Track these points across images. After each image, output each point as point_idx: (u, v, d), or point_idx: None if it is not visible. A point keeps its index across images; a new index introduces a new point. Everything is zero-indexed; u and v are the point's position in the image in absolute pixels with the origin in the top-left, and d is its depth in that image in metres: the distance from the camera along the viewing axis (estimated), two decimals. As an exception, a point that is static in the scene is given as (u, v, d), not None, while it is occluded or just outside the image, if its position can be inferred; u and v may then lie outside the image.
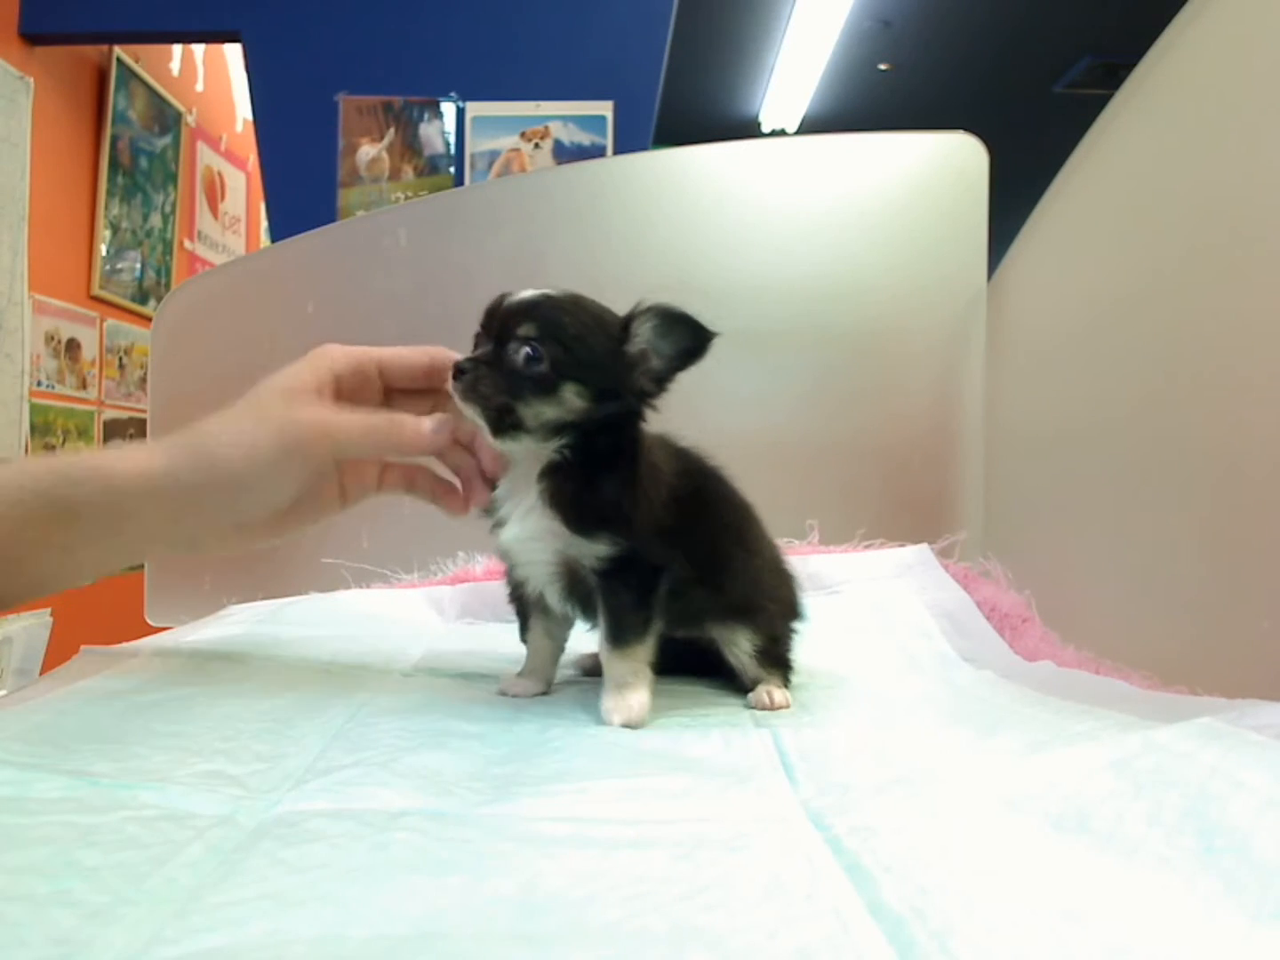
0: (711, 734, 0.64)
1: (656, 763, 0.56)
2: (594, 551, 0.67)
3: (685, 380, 1.21)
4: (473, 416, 0.66)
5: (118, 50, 3.30)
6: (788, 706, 0.74)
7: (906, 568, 1.24)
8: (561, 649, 0.78)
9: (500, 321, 0.66)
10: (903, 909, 0.34)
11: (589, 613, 0.73)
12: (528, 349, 0.64)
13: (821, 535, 1.36)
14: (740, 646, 0.77)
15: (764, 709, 0.73)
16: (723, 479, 0.80)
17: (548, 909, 0.35)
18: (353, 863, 0.39)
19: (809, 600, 0.88)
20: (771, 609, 0.80)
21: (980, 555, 1.30)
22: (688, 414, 1.50)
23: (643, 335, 0.66)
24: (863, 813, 0.45)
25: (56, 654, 2.75)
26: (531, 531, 0.68)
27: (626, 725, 0.65)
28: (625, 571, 0.67)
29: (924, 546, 1.29)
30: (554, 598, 0.72)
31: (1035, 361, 1.29)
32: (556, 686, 0.80)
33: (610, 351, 0.66)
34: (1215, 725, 0.47)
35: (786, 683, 0.78)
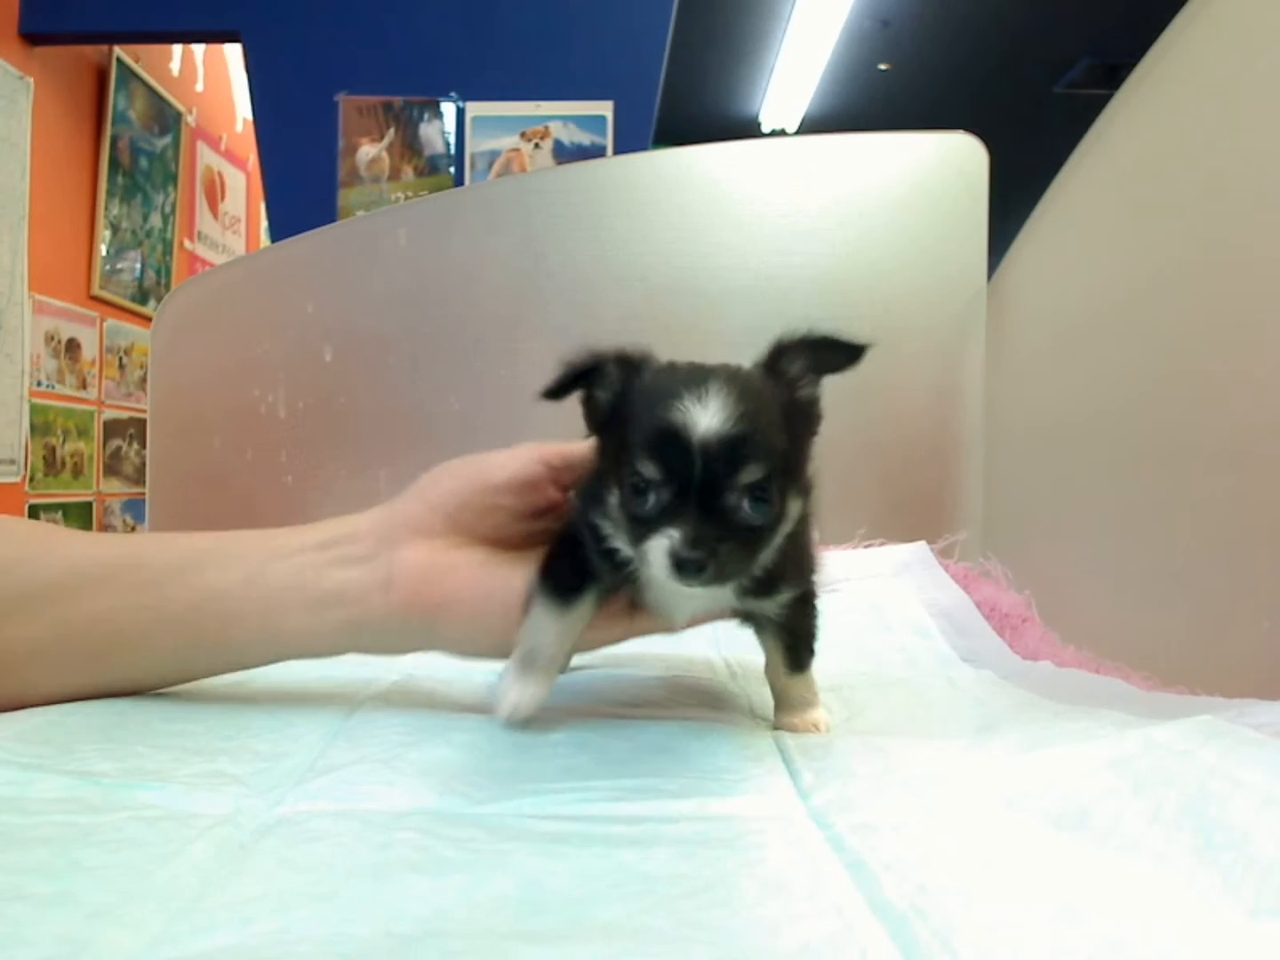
0: (713, 731, 0.64)
1: (658, 761, 0.56)
2: (776, 604, 0.63)
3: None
4: (693, 590, 0.54)
5: (118, 50, 3.30)
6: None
7: (905, 566, 1.24)
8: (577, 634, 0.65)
9: (708, 467, 0.50)
10: (904, 907, 0.34)
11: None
12: (757, 494, 0.52)
13: (822, 535, 1.36)
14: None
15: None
16: None
17: (550, 907, 0.35)
18: (356, 861, 0.39)
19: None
20: None
21: (980, 555, 1.30)
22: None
23: (801, 380, 0.57)
24: (864, 811, 0.45)
25: (56, 654, 2.75)
26: (708, 607, 0.63)
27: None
28: (801, 605, 0.65)
29: (922, 544, 1.29)
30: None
31: (1035, 361, 1.29)
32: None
33: (797, 430, 0.56)
34: (1214, 723, 0.47)
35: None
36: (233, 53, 3.92)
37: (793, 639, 0.66)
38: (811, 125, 5.74)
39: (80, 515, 3.25)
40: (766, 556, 0.55)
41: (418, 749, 0.57)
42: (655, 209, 1.50)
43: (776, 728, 0.66)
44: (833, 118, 5.68)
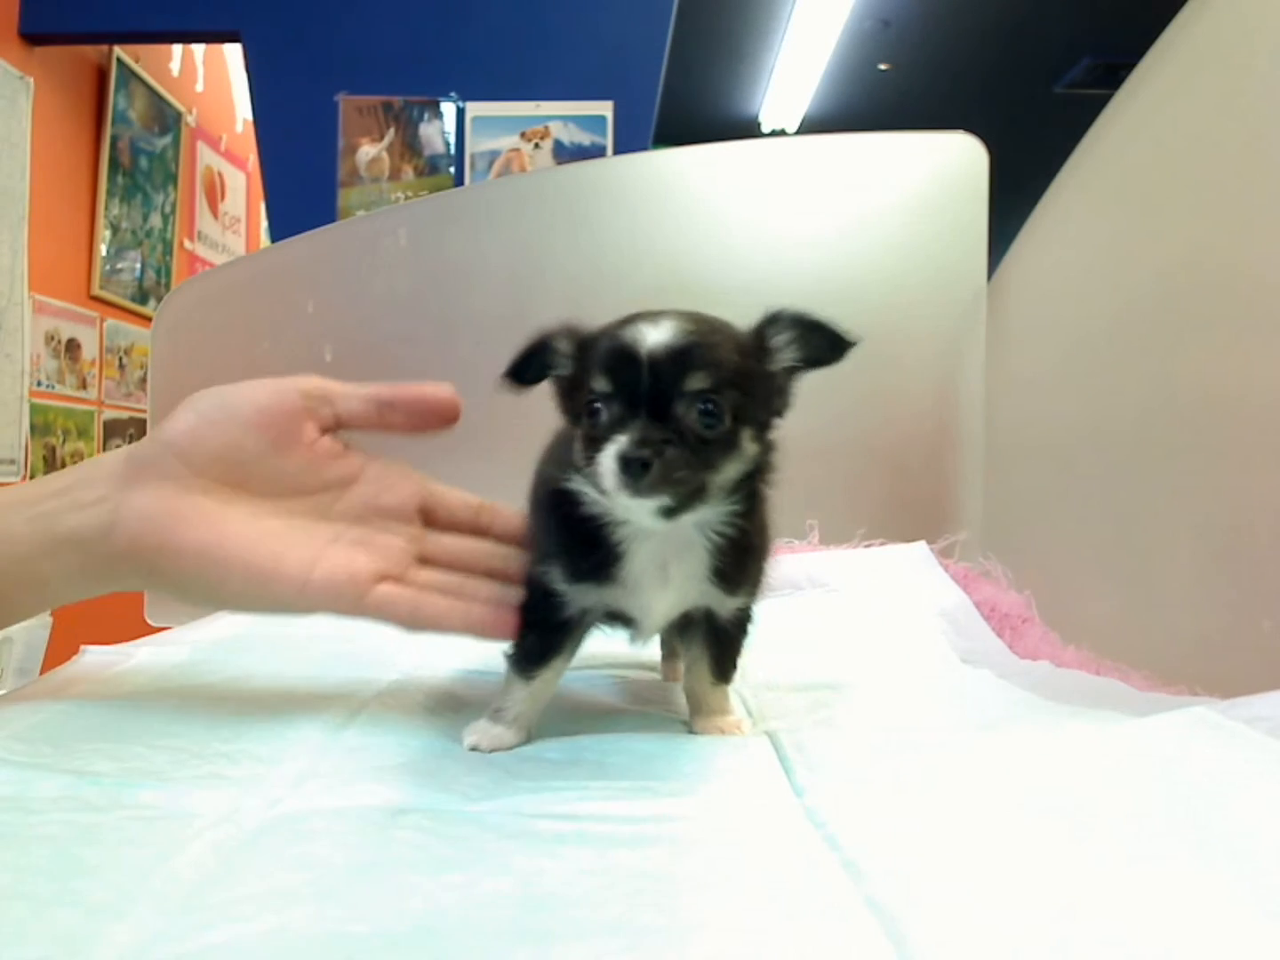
0: (711, 732, 0.64)
1: (656, 761, 0.56)
2: (734, 604, 0.64)
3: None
4: (648, 510, 0.53)
5: (118, 50, 3.30)
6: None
7: (905, 566, 1.24)
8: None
9: (652, 375, 0.52)
10: (900, 905, 0.34)
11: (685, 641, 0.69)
12: (705, 405, 0.53)
13: (822, 535, 1.36)
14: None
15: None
16: None
17: (546, 906, 0.35)
18: (353, 860, 0.39)
19: (804, 599, 0.88)
20: None
21: (980, 555, 1.30)
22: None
23: (782, 351, 0.59)
24: (860, 810, 0.45)
25: (56, 654, 2.75)
26: (686, 599, 0.62)
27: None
28: (743, 619, 0.67)
29: (922, 544, 1.29)
30: (652, 635, 0.68)
31: (1035, 361, 1.29)
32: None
33: (762, 379, 0.58)
34: (1209, 715, 0.47)
35: None
36: (233, 53, 3.91)
37: (722, 650, 0.67)
38: (811, 125, 5.74)
39: (80, 515, 3.26)
40: (718, 481, 0.55)
41: (415, 749, 0.57)
42: (655, 209, 1.50)
43: (694, 730, 0.66)
44: (833, 118, 5.68)
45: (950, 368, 1.45)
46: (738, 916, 0.34)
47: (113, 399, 3.43)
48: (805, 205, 1.48)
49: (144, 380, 3.46)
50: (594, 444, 0.53)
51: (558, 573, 0.61)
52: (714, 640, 0.66)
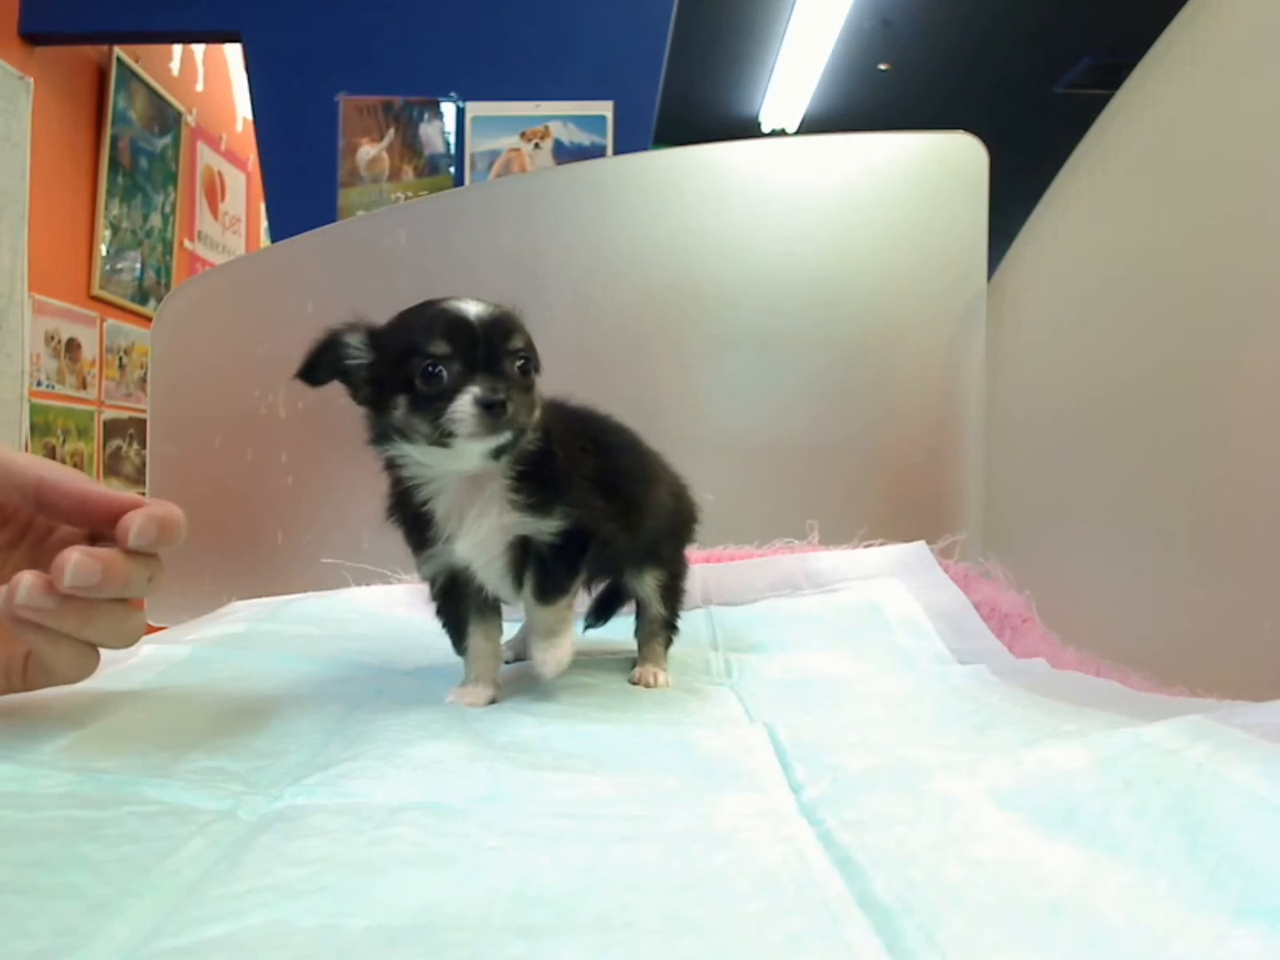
0: (709, 729, 0.64)
1: (655, 758, 0.56)
2: (549, 527, 0.70)
3: (687, 380, 1.23)
4: (483, 450, 0.66)
5: (118, 50, 3.30)
6: (669, 687, 0.83)
7: (904, 566, 1.24)
8: (500, 652, 0.79)
9: (487, 339, 0.65)
10: (891, 902, 0.35)
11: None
12: (523, 360, 0.68)
13: (822, 535, 1.36)
14: (647, 584, 0.88)
15: (648, 687, 0.83)
16: (615, 425, 0.85)
17: (542, 902, 0.35)
18: (352, 856, 0.40)
19: (804, 598, 0.88)
20: (670, 548, 0.91)
21: (980, 555, 1.30)
22: (689, 414, 1.49)
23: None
24: (855, 807, 0.46)
25: (57, 653, 2.75)
26: (489, 531, 0.70)
27: (559, 671, 0.71)
28: (570, 541, 0.72)
29: (921, 544, 1.29)
30: (507, 590, 0.75)
31: (1035, 361, 1.29)
32: (552, 682, 0.80)
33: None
34: (1204, 722, 0.47)
35: (674, 621, 0.90)
36: (233, 53, 3.92)
37: (543, 570, 0.72)
38: (811, 125, 5.74)
39: (81, 515, 3.26)
40: (534, 420, 0.68)
41: (415, 745, 0.57)
42: (655, 208, 1.50)
43: (535, 660, 0.72)
44: (833, 118, 5.68)
45: (950, 367, 1.45)
46: (732, 913, 0.35)
47: (113, 399, 3.44)
48: (805, 205, 1.48)
49: (144, 380, 3.46)
50: (434, 401, 0.64)
51: (415, 556, 0.73)
52: (537, 561, 0.72)
